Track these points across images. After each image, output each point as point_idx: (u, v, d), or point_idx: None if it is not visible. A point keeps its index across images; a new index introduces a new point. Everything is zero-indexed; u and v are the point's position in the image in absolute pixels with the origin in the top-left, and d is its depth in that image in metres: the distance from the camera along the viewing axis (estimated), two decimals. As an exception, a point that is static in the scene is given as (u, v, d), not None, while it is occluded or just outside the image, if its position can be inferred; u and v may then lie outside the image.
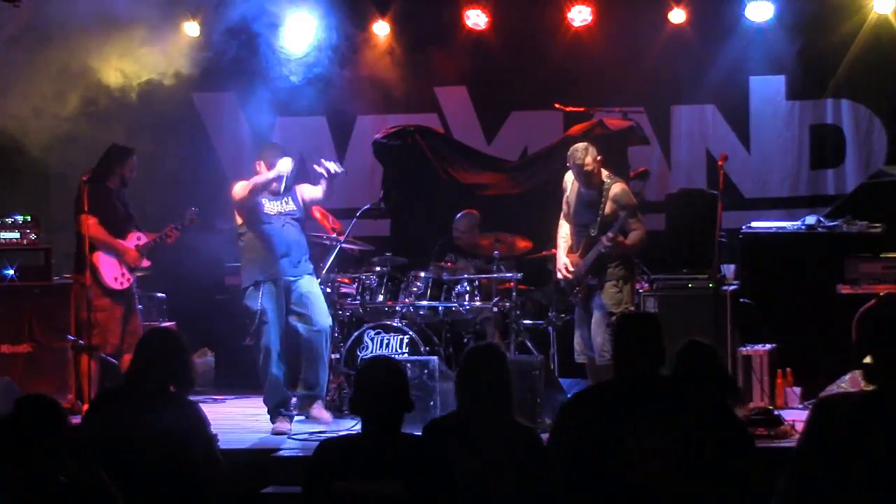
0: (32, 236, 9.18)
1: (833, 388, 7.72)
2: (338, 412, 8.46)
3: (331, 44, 10.21)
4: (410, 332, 8.68)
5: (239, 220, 8.25)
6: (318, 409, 8.30)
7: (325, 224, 9.40)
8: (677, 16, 10.52)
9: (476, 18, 10.79)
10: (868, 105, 10.60)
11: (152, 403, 5.13)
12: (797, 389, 8.46)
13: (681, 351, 4.87)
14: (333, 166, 8.23)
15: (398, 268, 9.29)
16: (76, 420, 5.59)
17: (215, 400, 9.57)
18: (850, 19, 10.35)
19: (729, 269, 8.91)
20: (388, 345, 8.73)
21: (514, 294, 9.03)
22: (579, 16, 10.63)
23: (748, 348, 8.55)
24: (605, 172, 7.98)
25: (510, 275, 9.08)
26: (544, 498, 4.69)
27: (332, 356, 8.65)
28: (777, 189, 10.86)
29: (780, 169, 10.84)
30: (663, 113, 10.99)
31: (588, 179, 7.93)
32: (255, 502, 6.82)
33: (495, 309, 9.15)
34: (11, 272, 8.88)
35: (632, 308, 8.01)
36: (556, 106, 10.53)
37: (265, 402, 8.23)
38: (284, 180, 8.10)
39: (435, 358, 8.13)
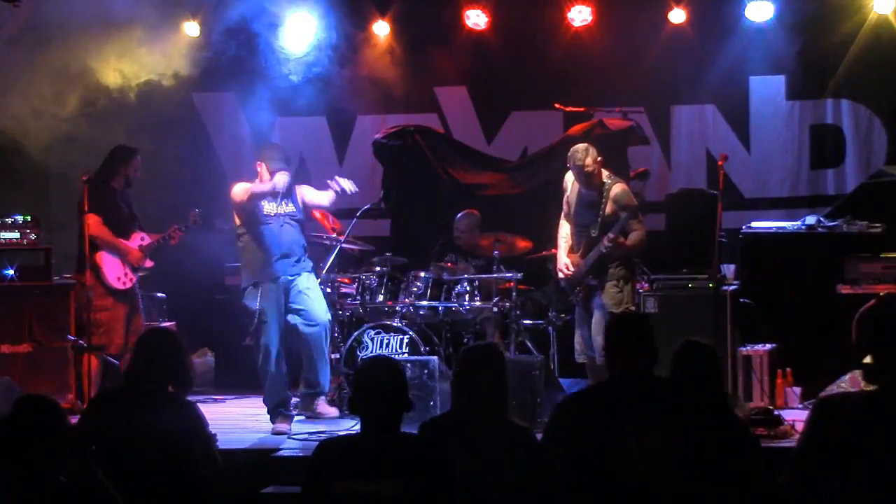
0: (32, 236, 9.18)
1: (833, 388, 7.72)
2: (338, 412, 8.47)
3: (331, 43, 10.20)
4: (410, 332, 8.68)
5: (237, 221, 8.26)
6: (322, 405, 8.33)
7: (325, 224, 9.40)
8: (677, 16, 10.52)
9: (476, 18, 10.78)
10: (868, 105, 10.60)
11: (151, 403, 5.13)
12: (797, 389, 8.46)
13: (678, 351, 4.87)
14: (349, 185, 8.26)
15: (398, 268, 9.29)
16: (76, 420, 5.59)
17: (215, 400, 9.55)
18: (850, 19, 10.34)
19: (729, 269, 8.90)
20: (388, 345, 8.73)
21: (514, 294, 9.02)
22: (579, 16, 10.62)
23: (748, 348, 8.55)
24: (605, 173, 7.98)
25: (510, 275, 9.07)
26: (544, 498, 4.69)
27: (332, 356, 8.66)
28: (777, 189, 10.85)
29: (780, 169, 10.84)
30: (663, 113, 10.98)
31: (588, 180, 7.93)
32: (255, 502, 6.81)
33: (495, 309, 9.15)
34: (11, 272, 8.89)
35: (632, 308, 8.02)
36: (556, 106, 10.53)
37: (265, 401, 8.23)
38: (280, 194, 8.11)
39: (435, 358, 8.13)
